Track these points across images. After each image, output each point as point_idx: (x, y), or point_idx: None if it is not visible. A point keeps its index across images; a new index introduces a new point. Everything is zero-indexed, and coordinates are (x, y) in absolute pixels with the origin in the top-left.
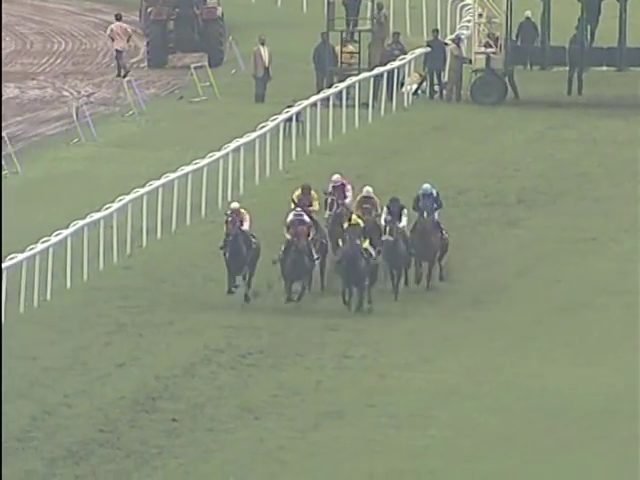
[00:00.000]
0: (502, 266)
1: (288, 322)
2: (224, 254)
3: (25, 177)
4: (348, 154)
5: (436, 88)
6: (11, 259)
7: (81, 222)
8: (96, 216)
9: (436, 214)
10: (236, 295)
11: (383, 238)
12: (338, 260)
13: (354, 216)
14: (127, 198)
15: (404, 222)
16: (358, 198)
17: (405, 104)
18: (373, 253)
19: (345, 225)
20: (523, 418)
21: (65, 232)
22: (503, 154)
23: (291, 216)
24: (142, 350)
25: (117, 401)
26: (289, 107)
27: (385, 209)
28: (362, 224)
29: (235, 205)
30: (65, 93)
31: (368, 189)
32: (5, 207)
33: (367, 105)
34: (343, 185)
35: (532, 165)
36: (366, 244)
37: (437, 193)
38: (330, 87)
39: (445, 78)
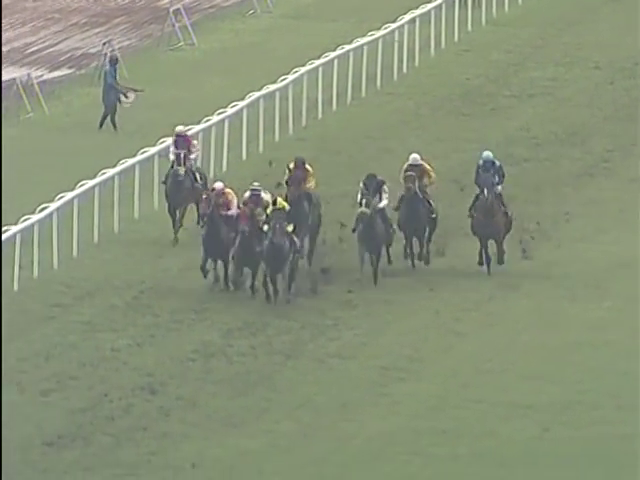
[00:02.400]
0: None
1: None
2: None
3: (200, 49)
4: (523, 25)
5: None
6: (189, 128)
7: (257, 94)
8: (272, 88)
9: (499, 188)
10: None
11: (358, 211)
12: (261, 250)
13: (279, 199)
14: (302, 70)
15: (385, 202)
16: (404, 167)
17: None
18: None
19: (269, 209)
20: None
21: (241, 103)
22: None
23: (248, 193)
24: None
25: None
26: None
27: (361, 185)
28: (287, 207)
29: (219, 185)
30: None
31: (415, 156)
32: (181, 79)
33: None
34: (188, 139)
35: None
36: (290, 228)
37: (500, 165)
38: None
39: None
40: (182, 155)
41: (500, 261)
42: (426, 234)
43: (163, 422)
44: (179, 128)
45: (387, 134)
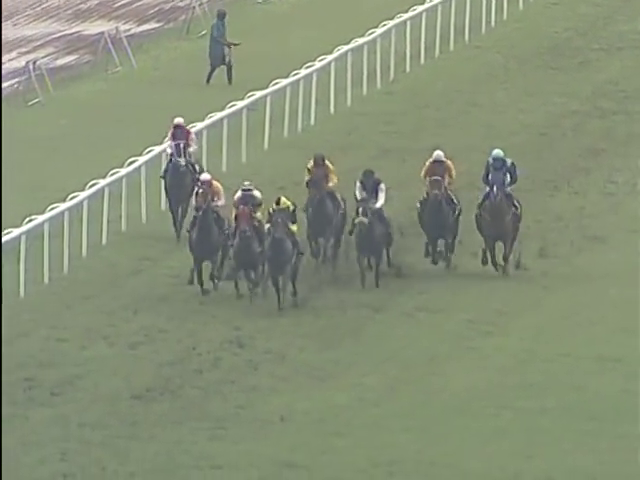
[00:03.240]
0: None
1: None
2: (190, 236)
3: (289, 2)
4: None
5: None
6: (276, 84)
7: (345, 47)
8: (360, 41)
9: (508, 189)
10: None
11: (355, 221)
12: (262, 250)
13: (283, 198)
14: (391, 23)
15: (381, 201)
16: (427, 165)
17: None
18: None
19: (271, 208)
20: None
21: (329, 57)
22: None
23: (239, 192)
24: (405, 175)
25: None
26: None
27: (357, 184)
28: (292, 206)
29: (206, 176)
30: None
31: (439, 153)
32: (269, 32)
33: None
34: (187, 131)
35: None
36: (294, 228)
37: (512, 163)
38: None
39: None
40: (182, 145)
41: (507, 263)
42: (450, 238)
43: (251, 375)
44: (178, 120)
45: (475, 88)
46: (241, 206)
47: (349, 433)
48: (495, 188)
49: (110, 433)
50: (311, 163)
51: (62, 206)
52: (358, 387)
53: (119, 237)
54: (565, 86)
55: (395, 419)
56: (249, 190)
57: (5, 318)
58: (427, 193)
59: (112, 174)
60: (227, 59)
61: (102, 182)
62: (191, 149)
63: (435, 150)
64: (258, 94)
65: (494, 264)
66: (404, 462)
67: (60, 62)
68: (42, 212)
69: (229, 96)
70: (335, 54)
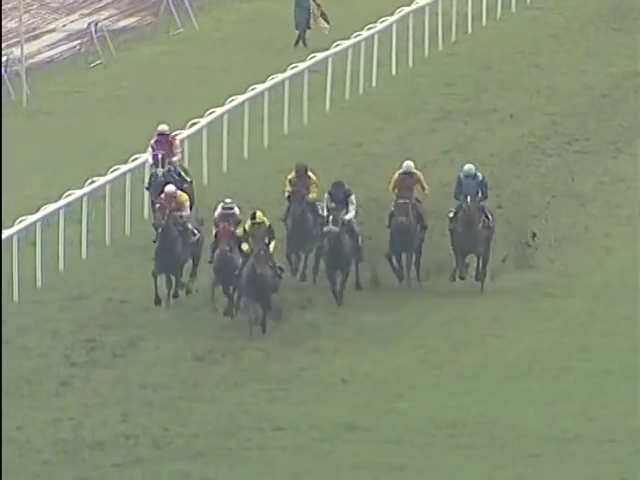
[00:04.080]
0: None
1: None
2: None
3: None
4: None
5: None
6: (337, 45)
7: (406, 9)
8: (421, 2)
9: (480, 203)
10: None
11: (325, 229)
12: (238, 273)
13: (259, 213)
14: None
15: (351, 213)
16: (395, 176)
17: None
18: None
19: (247, 224)
20: None
21: (390, 19)
22: None
23: (219, 209)
24: (467, 137)
25: (442, 188)
26: None
27: (326, 196)
28: (267, 222)
29: (170, 189)
30: None
31: (408, 164)
32: None
33: None
34: (171, 140)
35: None
36: (272, 246)
37: (483, 177)
38: None
39: None
40: (160, 156)
41: (481, 277)
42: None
43: (313, 337)
44: (162, 127)
45: (537, 49)
46: (221, 223)
47: (411, 395)
48: (469, 198)
49: (172, 395)
50: (293, 174)
51: (124, 168)
52: (420, 349)
53: None
54: (627, 47)
55: (457, 381)
56: (230, 208)
57: (67, 280)
58: (394, 206)
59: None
60: (309, 22)
61: None
62: (175, 158)
63: (405, 161)
64: (320, 56)
65: (462, 278)
66: (466, 424)
67: (122, 24)
68: (104, 174)
69: (290, 58)
70: (397, 15)
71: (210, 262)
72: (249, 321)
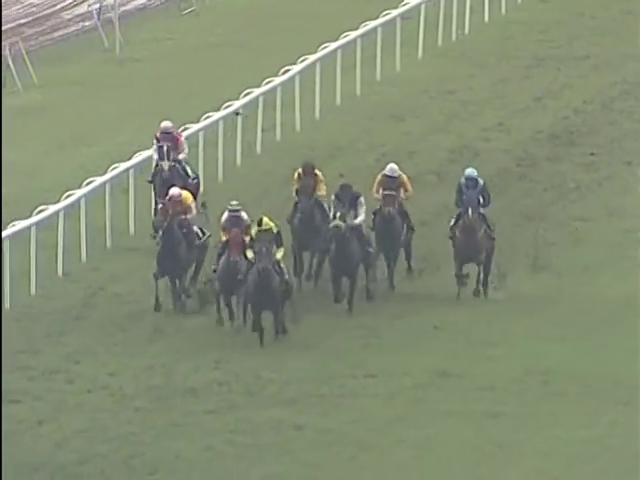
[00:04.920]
0: None
1: None
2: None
3: None
4: None
5: None
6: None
7: None
8: None
9: (481, 210)
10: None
11: (330, 225)
12: (242, 279)
13: (265, 219)
14: None
15: (361, 217)
16: (379, 178)
17: None
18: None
19: (253, 230)
20: None
21: None
22: None
23: (226, 214)
24: (560, 84)
25: (535, 135)
26: None
27: (333, 199)
28: (275, 229)
29: (175, 192)
30: None
31: (392, 167)
32: None
33: None
34: (175, 137)
35: None
36: (280, 254)
37: (483, 184)
38: None
39: None
40: (165, 148)
41: (484, 285)
42: (398, 255)
43: (406, 285)
44: (165, 124)
45: None
46: (233, 229)
47: (503, 342)
48: (470, 209)
49: (264, 341)
50: (299, 172)
51: (217, 115)
52: (512, 296)
53: (274, 146)
54: None
55: (549, 328)
56: (236, 211)
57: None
58: (380, 207)
59: (267, 83)
60: None
61: (256, 91)
62: (181, 156)
63: (389, 163)
64: (412, 2)
65: (460, 284)
66: (558, 371)
67: None
68: (197, 121)
69: (383, 5)
70: None
71: (214, 270)
72: (258, 332)
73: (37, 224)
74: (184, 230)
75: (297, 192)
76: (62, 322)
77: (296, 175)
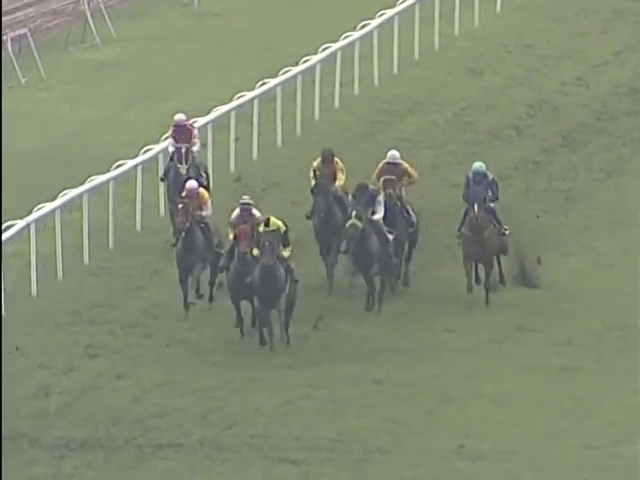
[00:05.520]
0: None
1: None
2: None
3: None
4: None
5: None
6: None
7: None
8: None
9: (490, 205)
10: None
11: (348, 223)
12: (250, 279)
13: (272, 219)
14: None
15: (380, 214)
16: (380, 166)
17: None
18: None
19: (261, 228)
20: None
21: None
22: None
23: (237, 210)
24: (639, 37)
25: (614, 89)
26: None
27: (350, 199)
28: (282, 228)
29: (192, 185)
30: None
31: (393, 153)
32: None
33: None
34: (189, 129)
35: None
36: (287, 253)
37: (493, 178)
38: None
39: None
40: (183, 150)
41: (489, 285)
42: (405, 251)
43: None
44: (179, 116)
45: None
46: (242, 225)
47: (581, 297)
48: (475, 205)
49: (340, 303)
50: (318, 160)
51: (295, 69)
52: (591, 251)
53: (352, 100)
54: None
55: (628, 283)
56: (248, 204)
57: (232, 189)
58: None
59: (345, 37)
60: None
61: (334, 45)
62: (195, 148)
63: (390, 150)
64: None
65: (470, 287)
66: (635, 326)
67: None
68: (274, 75)
69: None
70: None
71: (226, 269)
72: (266, 334)
73: (115, 178)
74: (201, 226)
75: (313, 190)
76: (141, 276)
77: (313, 168)
